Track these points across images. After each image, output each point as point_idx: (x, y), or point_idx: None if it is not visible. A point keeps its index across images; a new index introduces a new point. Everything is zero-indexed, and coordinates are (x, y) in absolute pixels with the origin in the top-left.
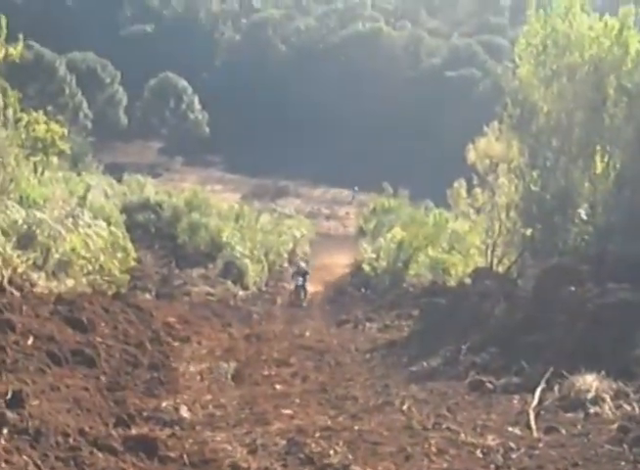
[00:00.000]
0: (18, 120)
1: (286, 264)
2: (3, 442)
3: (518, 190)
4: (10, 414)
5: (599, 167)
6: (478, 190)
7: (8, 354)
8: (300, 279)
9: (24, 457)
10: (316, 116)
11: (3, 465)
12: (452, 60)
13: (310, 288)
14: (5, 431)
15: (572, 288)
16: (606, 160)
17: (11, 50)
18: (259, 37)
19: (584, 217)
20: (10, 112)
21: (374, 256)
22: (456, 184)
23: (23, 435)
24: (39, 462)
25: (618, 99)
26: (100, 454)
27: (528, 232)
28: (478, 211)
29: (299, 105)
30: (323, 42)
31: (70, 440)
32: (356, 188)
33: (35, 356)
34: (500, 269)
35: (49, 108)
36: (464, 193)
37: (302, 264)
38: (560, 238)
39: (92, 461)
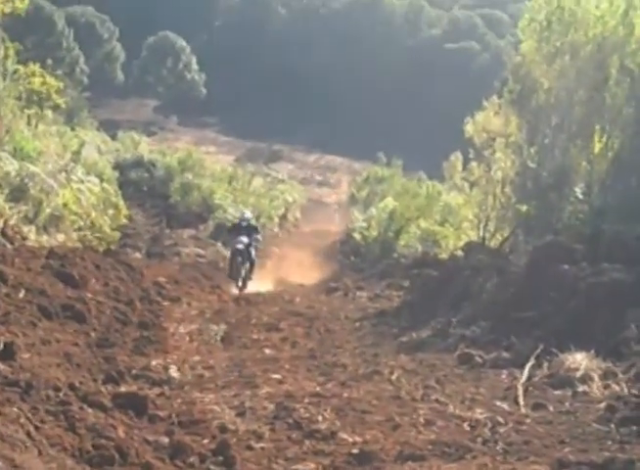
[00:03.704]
0: (14, 72)
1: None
2: None
3: (514, 165)
4: (1, 366)
5: (597, 147)
6: (474, 164)
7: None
8: (243, 240)
9: (15, 409)
10: (313, 81)
11: None
12: (452, 31)
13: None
14: None
15: (566, 266)
16: (604, 140)
17: (17, 3)
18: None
19: (580, 196)
20: (9, 63)
21: (365, 224)
22: (452, 157)
23: (14, 387)
24: (29, 415)
25: (621, 79)
26: (89, 410)
27: (523, 208)
28: (472, 184)
29: (297, 70)
30: (324, 7)
31: (61, 394)
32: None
33: (27, 310)
34: (492, 244)
35: (48, 61)
36: (459, 166)
37: (248, 214)
38: (554, 216)
39: (82, 416)
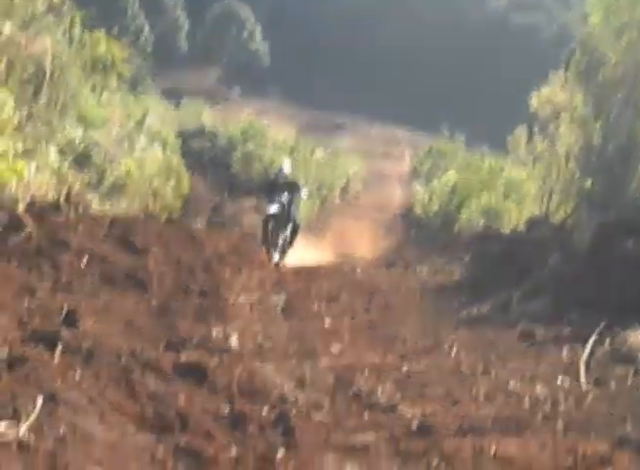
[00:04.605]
0: (80, 40)
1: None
2: (57, 359)
3: (579, 140)
4: (64, 332)
5: None
6: (538, 138)
7: (62, 273)
8: (281, 198)
9: (78, 375)
10: (377, 53)
11: (58, 382)
12: (518, 3)
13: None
14: (59, 348)
15: (630, 242)
16: None
17: None
18: None
19: None
20: (75, 31)
21: (426, 198)
22: (517, 131)
23: (77, 353)
24: (92, 381)
25: None
26: (150, 377)
27: (587, 183)
28: (536, 159)
29: (361, 42)
30: None
31: (122, 361)
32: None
33: (89, 277)
34: (555, 219)
35: (113, 29)
36: (523, 140)
37: (286, 168)
38: (619, 191)
39: (142, 383)
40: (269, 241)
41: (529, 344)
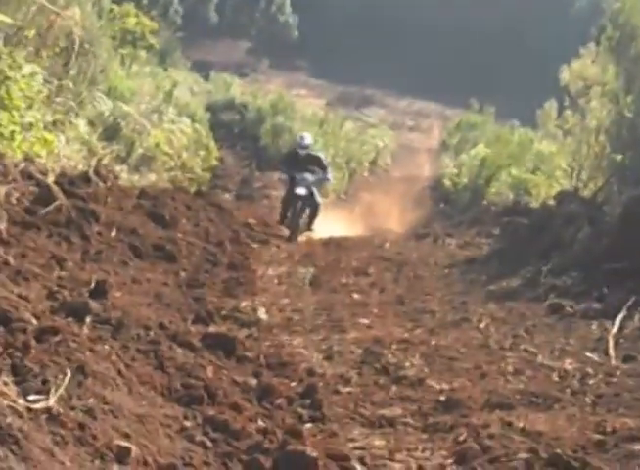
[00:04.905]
0: (110, 11)
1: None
2: (86, 330)
3: (610, 114)
4: (93, 304)
5: None
6: (568, 112)
7: (92, 244)
8: (307, 178)
9: (106, 347)
10: (407, 25)
11: (87, 353)
12: None
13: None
14: (88, 320)
15: None
16: None
17: None
18: None
19: None
20: (104, 2)
21: (455, 171)
22: (547, 105)
23: (106, 325)
24: (120, 353)
25: None
26: (179, 349)
27: (618, 158)
28: (566, 133)
29: (390, 12)
30: None
31: (151, 333)
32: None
33: (118, 248)
34: (585, 194)
35: (142, 2)
36: (554, 114)
37: (307, 139)
38: None
39: (171, 356)
40: (289, 221)
41: (558, 318)
